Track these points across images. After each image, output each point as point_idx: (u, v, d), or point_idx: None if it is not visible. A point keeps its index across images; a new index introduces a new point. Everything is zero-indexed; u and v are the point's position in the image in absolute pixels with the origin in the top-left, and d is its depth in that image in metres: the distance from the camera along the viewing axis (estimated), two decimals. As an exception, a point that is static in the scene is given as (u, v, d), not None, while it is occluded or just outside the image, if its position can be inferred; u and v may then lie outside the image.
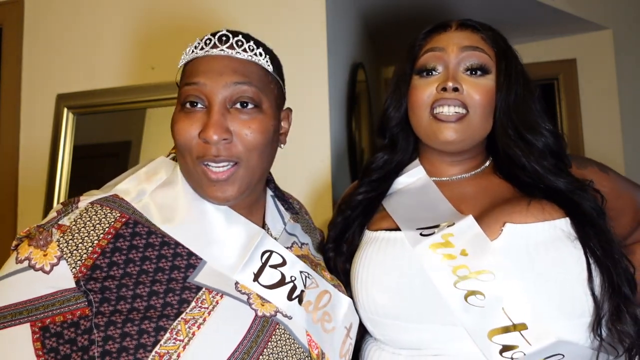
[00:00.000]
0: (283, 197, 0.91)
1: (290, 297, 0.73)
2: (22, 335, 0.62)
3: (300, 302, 0.74)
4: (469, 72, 0.85)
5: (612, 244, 0.75)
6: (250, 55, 0.74)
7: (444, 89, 0.84)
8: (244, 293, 0.71)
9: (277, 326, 0.70)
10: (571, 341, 0.72)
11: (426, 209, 0.86)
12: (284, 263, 0.76)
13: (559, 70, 2.36)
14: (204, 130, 0.70)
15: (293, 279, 0.75)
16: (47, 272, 0.64)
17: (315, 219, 1.47)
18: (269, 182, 0.89)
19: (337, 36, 1.64)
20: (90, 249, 0.66)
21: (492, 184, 0.88)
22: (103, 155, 1.72)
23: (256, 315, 0.69)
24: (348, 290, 0.87)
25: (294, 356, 0.69)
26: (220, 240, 0.74)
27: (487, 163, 0.92)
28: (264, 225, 0.83)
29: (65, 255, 0.65)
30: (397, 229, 0.84)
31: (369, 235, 0.88)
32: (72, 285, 0.64)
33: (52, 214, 0.71)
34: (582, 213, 0.77)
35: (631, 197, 0.90)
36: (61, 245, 0.65)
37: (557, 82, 2.37)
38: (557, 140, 0.87)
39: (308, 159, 1.47)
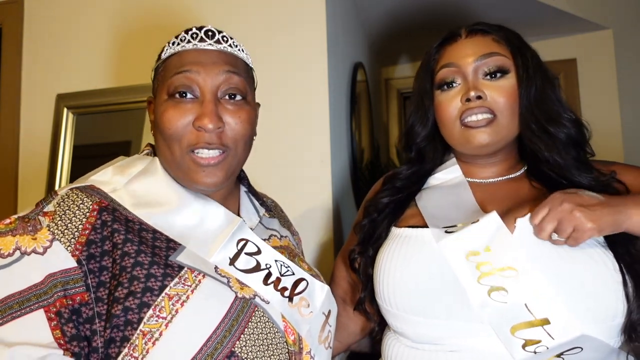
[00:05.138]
0: (257, 195, 0.92)
1: (265, 283, 0.75)
2: (36, 323, 0.60)
3: (276, 288, 0.75)
4: (488, 77, 0.86)
5: (638, 249, 0.75)
6: (235, 50, 0.78)
7: (468, 100, 0.85)
8: (223, 276, 0.71)
9: (256, 308, 0.71)
10: (591, 335, 0.71)
11: (455, 209, 0.87)
12: (258, 252, 0.78)
13: (559, 70, 2.36)
14: (199, 119, 0.72)
15: (268, 266, 0.77)
16: (41, 254, 0.63)
17: (314, 219, 1.48)
18: (242, 179, 0.91)
19: (337, 36, 1.64)
20: (80, 226, 0.66)
21: (524, 189, 0.88)
22: (103, 155, 1.70)
23: (236, 296, 0.70)
24: (369, 285, 0.88)
25: (273, 339, 0.71)
26: (199, 225, 0.75)
27: (522, 170, 0.92)
28: None
29: (57, 236, 0.65)
30: (424, 226, 0.85)
31: (394, 231, 0.89)
32: (73, 264, 0.63)
33: (32, 208, 0.69)
34: None
35: None
36: (52, 229, 0.65)
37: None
38: (579, 129, 0.87)
39: (308, 159, 1.47)
